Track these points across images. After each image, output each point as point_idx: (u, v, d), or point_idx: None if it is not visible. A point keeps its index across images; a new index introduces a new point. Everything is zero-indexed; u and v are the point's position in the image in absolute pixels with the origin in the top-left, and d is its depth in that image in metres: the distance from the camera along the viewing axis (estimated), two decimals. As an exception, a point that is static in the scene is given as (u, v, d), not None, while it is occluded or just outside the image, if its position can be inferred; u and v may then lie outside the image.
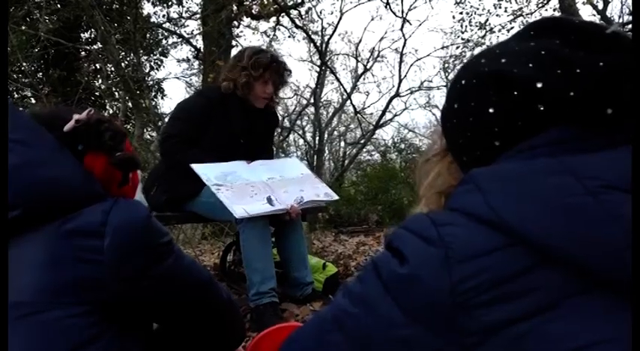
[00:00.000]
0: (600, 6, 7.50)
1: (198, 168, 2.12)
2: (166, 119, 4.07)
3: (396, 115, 14.26)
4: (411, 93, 13.56)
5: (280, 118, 14.22)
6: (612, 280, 0.48)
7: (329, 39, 11.04)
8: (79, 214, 0.76)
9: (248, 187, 2.15)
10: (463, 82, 0.64)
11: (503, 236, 0.51)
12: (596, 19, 7.75)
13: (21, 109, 0.85)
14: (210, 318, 0.93)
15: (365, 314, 0.57)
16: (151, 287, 0.80)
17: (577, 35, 0.58)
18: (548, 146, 0.55)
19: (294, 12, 9.51)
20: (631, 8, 7.13)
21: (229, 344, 1.04)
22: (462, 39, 10.84)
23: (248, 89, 2.34)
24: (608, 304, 0.48)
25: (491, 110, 0.59)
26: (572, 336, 0.48)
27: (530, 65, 0.57)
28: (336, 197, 2.37)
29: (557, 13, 8.53)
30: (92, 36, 8.78)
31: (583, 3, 6.74)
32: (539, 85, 0.55)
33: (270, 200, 2.10)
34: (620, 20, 7.41)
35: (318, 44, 10.57)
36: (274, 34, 10.18)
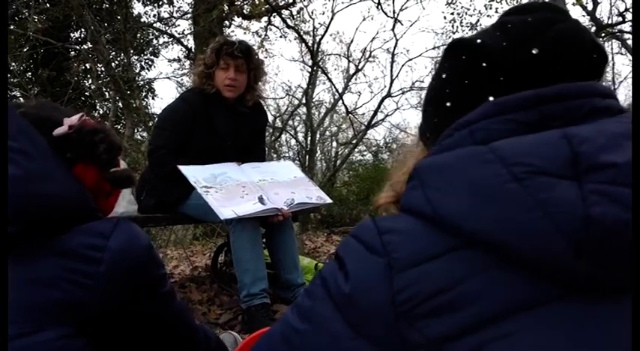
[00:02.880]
0: (590, 7, 7.56)
1: (186, 170, 2.10)
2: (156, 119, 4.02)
3: (387, 115, 14.27)
4: (403, 93, 13.57)
5: (272, 117, 14.23)
6: (540, 267, 0.46)
7: (320, 39, 11.02)
8: (74, 232, 0.72)
9: (239, 187, 2.13)
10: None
11: (446, 239, 0.50)
12: (586, 19, 7.81)
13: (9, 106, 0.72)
14: None
15: (312, 330, 0.56)
16: (140, 316, 0.78)
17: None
18: (484, 120, 0.56)
19: (285, 12, 9.50)
20: (620, 10, 7.19)
21: None
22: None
23: (206, 79, 2.29)
24: (562, 315, 0.46)
25: (444, 75, 0.65)
26: None
27: (479, 37, 0.62)
28: (330, 201, 2.32)
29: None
30: (82, 35, 8.71)
31: (573, 4, 6.78)
32: (478, 41, 0.61)
33: (261, 199, 2.09)
34: (609, 21, 7.48)
35: (309, 44, 10.56)
36: (266, 34, 10.14)
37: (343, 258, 0.56)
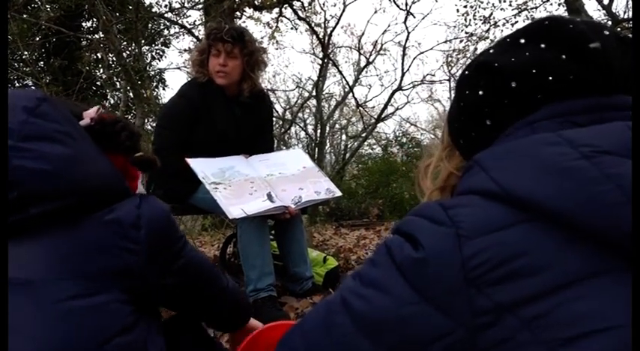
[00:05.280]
0: (605, 1, 7.44)
1: (194, 164, 2.08)
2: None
3: (398, 109, 14.24)
4: (414, 87, 13.56)
5: (282, 109, 14.23)
6: (609, 240, 0.48)
7: (332, 31, 10.96)
8: (114, 208, 0.79)
9: (247, 183, 2.11)
10: (466, 72, 0.71)
11: (514, 213, 0.52)
12: (602, 14, 7.70)
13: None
14: (217, 302, 0.99)
15: (376, 295, 0.56)
16: (177, 275, 0.85)
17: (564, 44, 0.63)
18: (545, 120, 0.59)
19: (297, 3, 9.46)
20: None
21: (236, 323, 1.13)
22: (466, 33, 10.79)
23: (200, 67, 2.25)
24: (621, 284, 0.47)
25: (480, 93, 0.66)
26: (591, 318, 0.46)
27: (513, 59, 0.64)
28: (339, 194, 2.27)
29: (562, 8, 8.47)
30: (94, 25, 8.74)
31: (588, -2, 6.68)
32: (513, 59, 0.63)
33: (270, 197, 2.07)
34: (625, 16, 7.36)
35: (320, 36, 10.51)
36: (277, 26, 10.12)
37: (410, 232, 0.56)
